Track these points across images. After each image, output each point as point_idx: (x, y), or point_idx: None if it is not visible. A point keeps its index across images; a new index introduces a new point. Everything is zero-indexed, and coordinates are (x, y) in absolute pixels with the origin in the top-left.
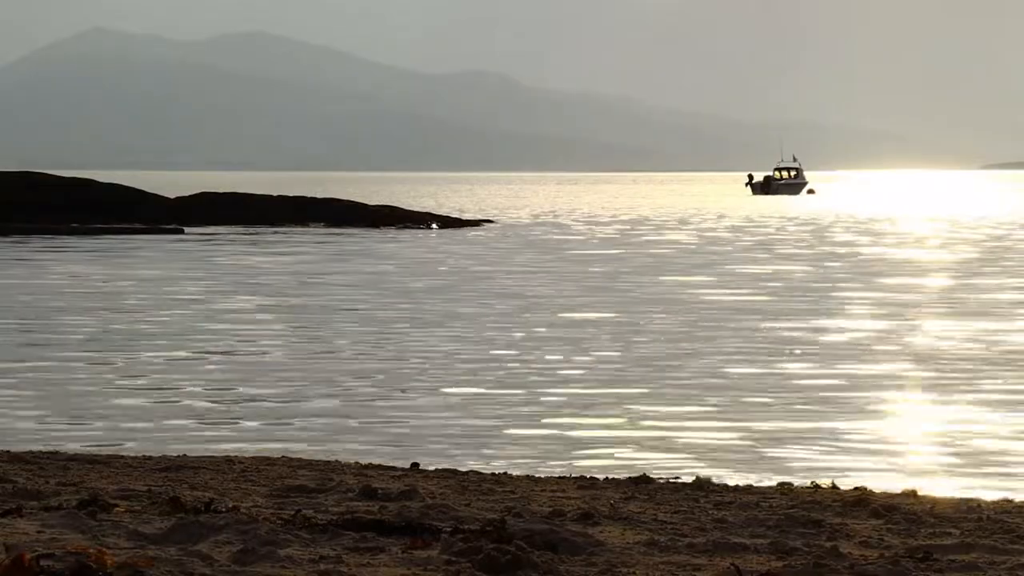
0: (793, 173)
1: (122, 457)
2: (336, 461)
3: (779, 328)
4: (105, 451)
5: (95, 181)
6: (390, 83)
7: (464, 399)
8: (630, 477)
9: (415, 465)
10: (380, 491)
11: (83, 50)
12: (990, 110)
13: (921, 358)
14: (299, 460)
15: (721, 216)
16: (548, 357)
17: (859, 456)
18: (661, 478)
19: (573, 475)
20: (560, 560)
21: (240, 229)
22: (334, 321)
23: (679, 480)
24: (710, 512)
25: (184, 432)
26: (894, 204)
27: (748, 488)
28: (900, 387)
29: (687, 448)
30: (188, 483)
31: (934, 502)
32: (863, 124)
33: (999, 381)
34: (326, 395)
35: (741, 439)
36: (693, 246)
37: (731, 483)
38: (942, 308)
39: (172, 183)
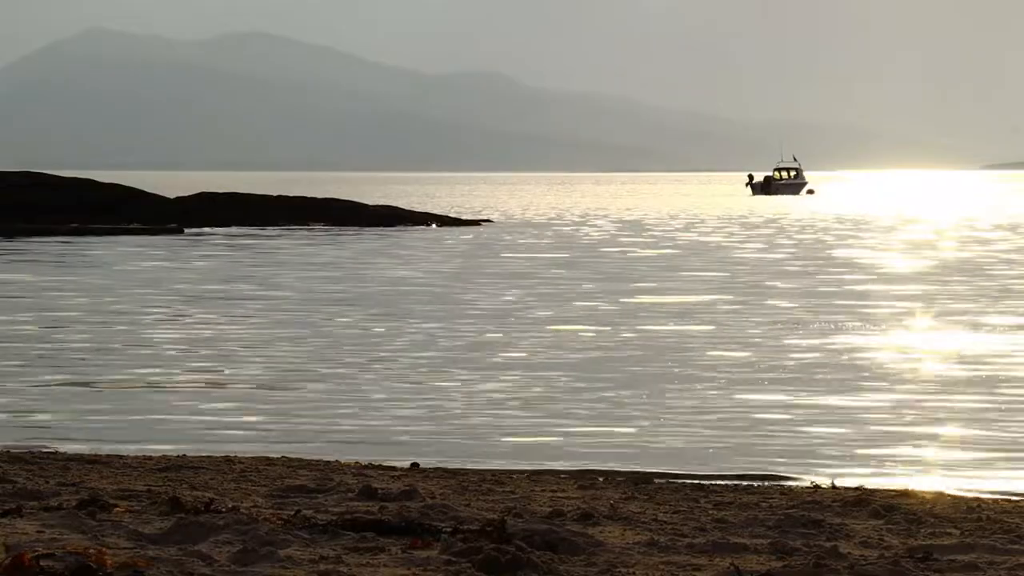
0: (793, 173)
1: (122, 457)
2: (336, 461)
3: (777, 329)
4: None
5: (95, 181)
6: (390, 83)
7: (464, 400)
8: (630, 477)
9: (415, 465)
10: (380, 491)
11: (83, 50)
12: (990, 110)
13: (917, 359)
14: (299, 460)
15: (726, 217)
16: (540, 358)
17: (859, 456)
18: (661, 478)
19: (573, 475)
20: (560, 560)
21: (239, 230)
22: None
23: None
24: (710, 512)
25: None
26: (892, 204)
27: (748, 488)
28: (896, 388)
29: (686, 448)
30: (188, 483)
31: (934, 502)
32: (863, 124)
33: (997, 382)
34: (325, 395)
35: (741, 439)
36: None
37: (731, 483)
38: (933, 313)
39: (172, 183)
